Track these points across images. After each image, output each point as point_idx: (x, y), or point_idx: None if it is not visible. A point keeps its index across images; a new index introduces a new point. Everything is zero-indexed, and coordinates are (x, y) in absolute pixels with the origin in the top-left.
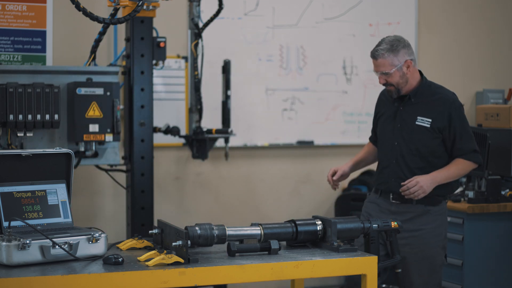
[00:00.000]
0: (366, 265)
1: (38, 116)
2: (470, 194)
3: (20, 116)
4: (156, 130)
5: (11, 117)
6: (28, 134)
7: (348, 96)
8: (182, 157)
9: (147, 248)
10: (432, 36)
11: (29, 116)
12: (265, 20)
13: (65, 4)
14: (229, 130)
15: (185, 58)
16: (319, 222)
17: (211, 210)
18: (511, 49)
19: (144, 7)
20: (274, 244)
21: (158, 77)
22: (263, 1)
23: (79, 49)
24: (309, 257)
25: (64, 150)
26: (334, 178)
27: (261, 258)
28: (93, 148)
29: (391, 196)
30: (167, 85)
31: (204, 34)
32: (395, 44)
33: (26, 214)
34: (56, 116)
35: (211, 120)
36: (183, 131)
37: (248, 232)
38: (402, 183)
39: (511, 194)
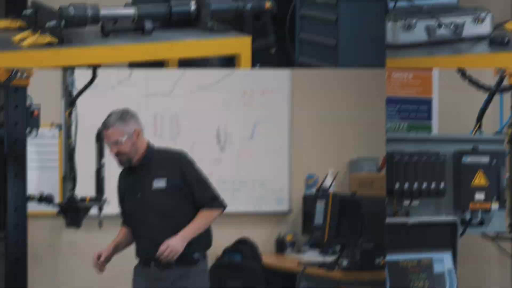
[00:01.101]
0: (240, 45)
1: (424, 185)
2: (344, 262)
3: (406, 185)
4: (30, 198)
5: (397, 185)
6: (414, 202)
7: (222, 164)
8: (56, 225)
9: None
10: (306, 105)
11: (415, 185)
12: (138, 89)
13: (450, 73)
14: (103, 198)
15: (59, 126)
16: (193, 2)
17: (87, 279)
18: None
19: None
20: (148, 24)
21: (32, 145)
22: (137, 71)
23: (464, 117)
24: (183, 38)
25: (449, 219)
26: (101, 260)
27: (135, 39)
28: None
29: (152, 264)
30: (41, 153)
31: (79, 102)
32: (124, 114)
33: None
34: (441, 184)
35: (89, 187)
36: (58, 199)
37: (123, 12)
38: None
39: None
